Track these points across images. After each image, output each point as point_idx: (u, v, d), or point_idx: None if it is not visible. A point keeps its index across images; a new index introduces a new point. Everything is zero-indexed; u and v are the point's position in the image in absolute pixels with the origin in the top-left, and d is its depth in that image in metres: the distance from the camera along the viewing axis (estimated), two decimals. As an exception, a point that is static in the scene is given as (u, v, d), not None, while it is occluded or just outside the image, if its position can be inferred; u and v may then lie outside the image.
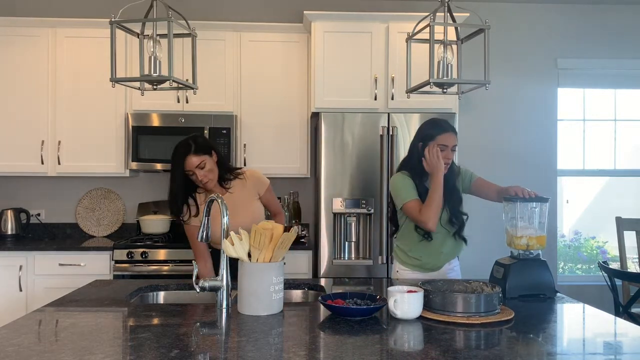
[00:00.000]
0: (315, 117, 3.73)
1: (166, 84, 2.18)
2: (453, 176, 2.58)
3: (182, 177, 2.51)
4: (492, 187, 2.59)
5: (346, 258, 3.59)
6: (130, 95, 3.85)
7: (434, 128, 2.53)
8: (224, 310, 1.90)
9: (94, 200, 4.21)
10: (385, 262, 3.50)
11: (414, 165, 2.54)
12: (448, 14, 2.17)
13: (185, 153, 2.47)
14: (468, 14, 3.32)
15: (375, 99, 3.68)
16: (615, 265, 3.90)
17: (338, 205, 3.50)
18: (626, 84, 4.44)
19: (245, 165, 3.88)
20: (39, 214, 4.18)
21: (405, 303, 1.77)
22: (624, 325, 1.82)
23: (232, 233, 1.92)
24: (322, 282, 2.51)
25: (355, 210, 3.51)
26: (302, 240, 3.75)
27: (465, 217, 2.57)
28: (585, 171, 4.52)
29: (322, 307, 1.90)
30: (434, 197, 2.43)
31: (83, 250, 3.59)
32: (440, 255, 2.56)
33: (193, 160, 2.47)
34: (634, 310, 3.47)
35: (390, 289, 1.84)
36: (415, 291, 1.82)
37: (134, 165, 3.81)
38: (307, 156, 3.94)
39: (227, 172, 2.63)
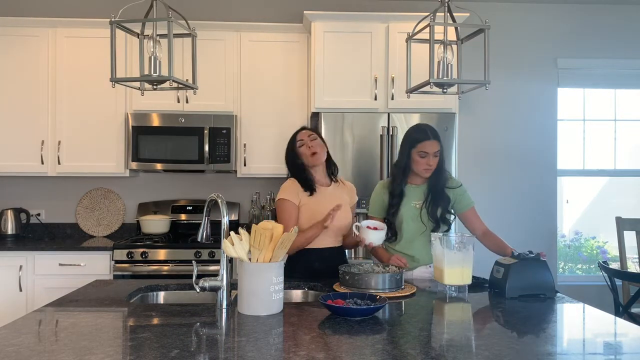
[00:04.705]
0: (315, 117, 3.73)
1: (166, 84, 2.18)
2: (441, 181, 2.60)
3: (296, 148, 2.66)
4: (480, 226, 2.63)
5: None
6: (130, 95, 3.85)
7: (418, 134, 2.59)
8: (224, 310, 1.90)
9: (94, 200, 4.21)
10: (385, 262, 3.49)
11: (400, 166, 2.63)
12: (448, 14, 2.17)
13: (302, 128, 2.74)
14: (468, 14, 3.32)
15: (375, 99, 3.68)
16: (615, 265, 3.89)
17: (338, 205, 3.49)
18: (626, 84, 4.44)
19: (245, 165, 3.88)
20: (39, 214, 4.18)
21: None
22: (624, 325, 1.82)
23: (232, 233, 1.92)
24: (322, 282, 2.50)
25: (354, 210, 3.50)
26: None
27: (448, 226, 2.60)
28: (585, 171, 4.51)
29: (322, 307, 1.90)
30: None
31: (83, 250, 3.59)
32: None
33: (306, 130, 2.71)
34: (634, 310, 3.47)
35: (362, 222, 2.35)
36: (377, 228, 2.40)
37: (134, 165, 3.81)
38: (307, 156, 3.93)
39: (333, 166, 2.77)
